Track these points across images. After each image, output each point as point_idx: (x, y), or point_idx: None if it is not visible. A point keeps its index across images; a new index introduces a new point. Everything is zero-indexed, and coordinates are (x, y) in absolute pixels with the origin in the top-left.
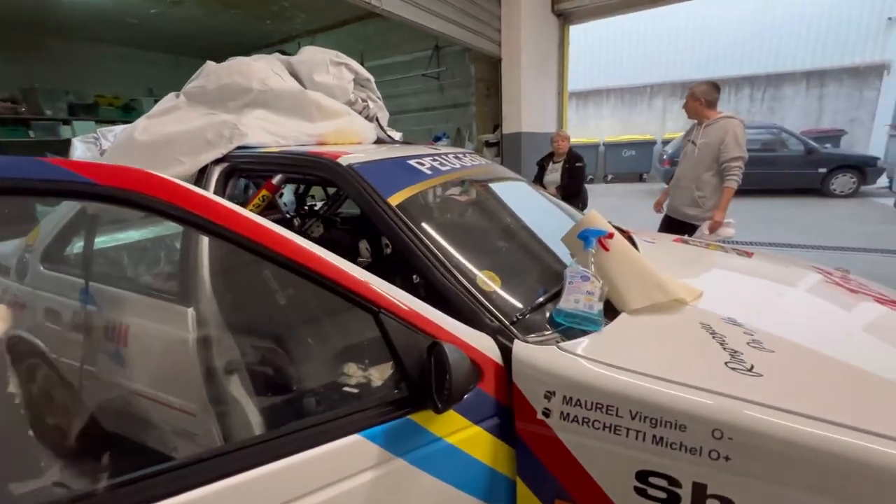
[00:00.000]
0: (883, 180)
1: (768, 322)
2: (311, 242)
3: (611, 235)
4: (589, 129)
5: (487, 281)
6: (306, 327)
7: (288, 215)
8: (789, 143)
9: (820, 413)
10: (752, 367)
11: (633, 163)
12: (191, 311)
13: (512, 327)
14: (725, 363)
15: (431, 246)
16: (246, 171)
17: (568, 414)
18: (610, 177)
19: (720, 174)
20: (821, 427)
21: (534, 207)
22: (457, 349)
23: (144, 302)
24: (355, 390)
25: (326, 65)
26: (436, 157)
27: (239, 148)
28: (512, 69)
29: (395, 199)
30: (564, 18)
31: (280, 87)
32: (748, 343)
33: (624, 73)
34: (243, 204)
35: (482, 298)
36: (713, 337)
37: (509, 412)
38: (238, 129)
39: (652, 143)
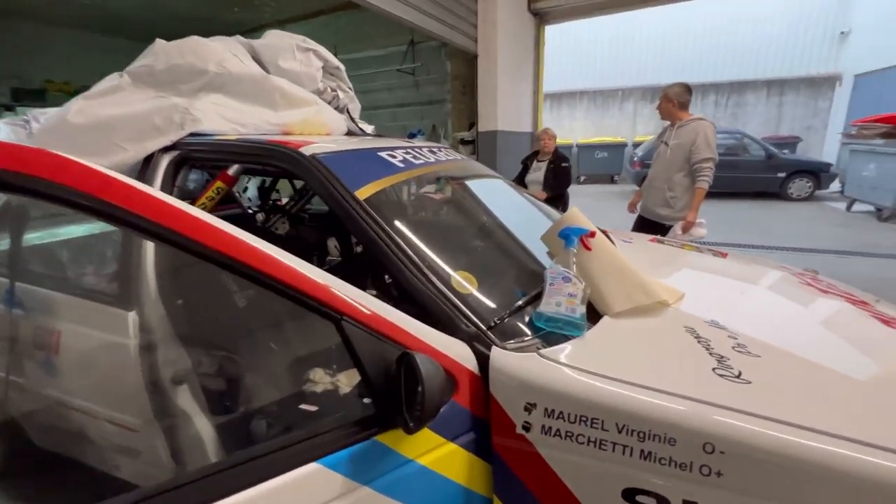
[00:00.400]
0: (836, 185)
1: (749, 324)
2: (262, 241)
3: (593, 234)
4: (563, 130)
5: (463, 282)
6: (267, 332)
7: (250, 210)
8: (751, 148)
9: (815, 424)
10: (740, 373)
11: (605, 164)
12: (132, 315)
13: (489, 333)
14: (713, 369)
15: (402, 244)
16: (199, 160)
17: (550, 428)
18: (583, 178)
19: (691, 175)
20: (819, 440)
21: (511, 206)
22: (430, 360)
23: (79, 305)
24: (314, 408)
25: (293, 50)
26: (409, 150)
27: (191, 135)
28: (488, 66)
29: (362, 193)
30: (540, 18)
31: (239, 70)
32: (733, 347)
33: (597, 76)
34: (195, 198)
35: (457, 301)
36: (698, 341)
37: (486, 426)
38: (190, 115)
39: (623, 146)
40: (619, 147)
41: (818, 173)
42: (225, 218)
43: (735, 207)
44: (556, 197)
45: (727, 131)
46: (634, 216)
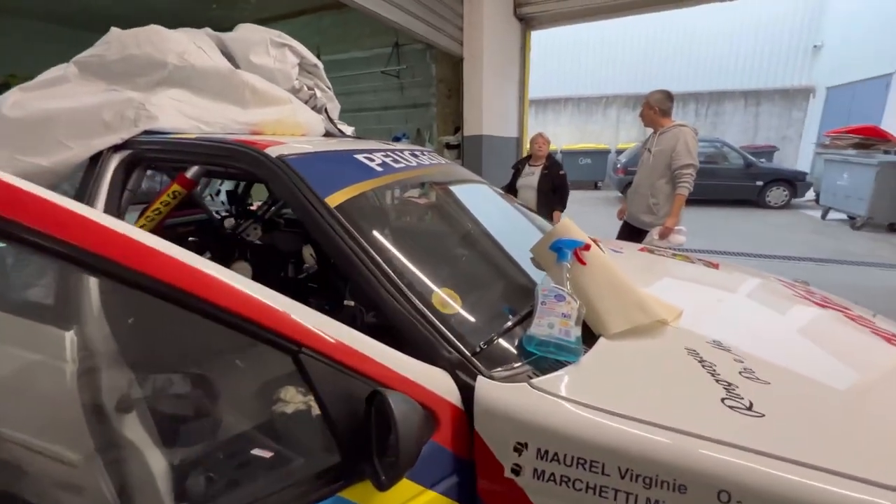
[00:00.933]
0: (811, 194)
1: (752, 344)
2: (203, 259)
3: (588, 247)
4: (548, 135)
5: (446, 300)
6: (229, 354)
7: (219, 215)
8: (730, 156)
9: (843, 467)
10: (751, 404)
11: (588, 171)
12: (70, 334)
13: (474, 360)
14: (722, 400)
15: (377, 257)
16: (154, 161)
17: (543, 471)
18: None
19: (673, 181)
20: (849, 486)
21: (498, 214)
22: (405, 399)
23: (8, 322)
24: (269, 454)
25: (266, 45)
26: (389, 153)
27: (146, 133)
28: (474, 69)
29: (334, 199)
30: (526, 23)
31: (203, 64)
32: (740, 373)
33: (581, 83)
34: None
35: (438, 323)
36: (703, 365)
37: (471, 469)
38: (146, 110)
39: (607, 152)
40: (602, 153)
41: (794, 182)
42: (188, 224)
43: (714, 215)
44: (558, 202)
45: (708, 140)
46: (620, 223)
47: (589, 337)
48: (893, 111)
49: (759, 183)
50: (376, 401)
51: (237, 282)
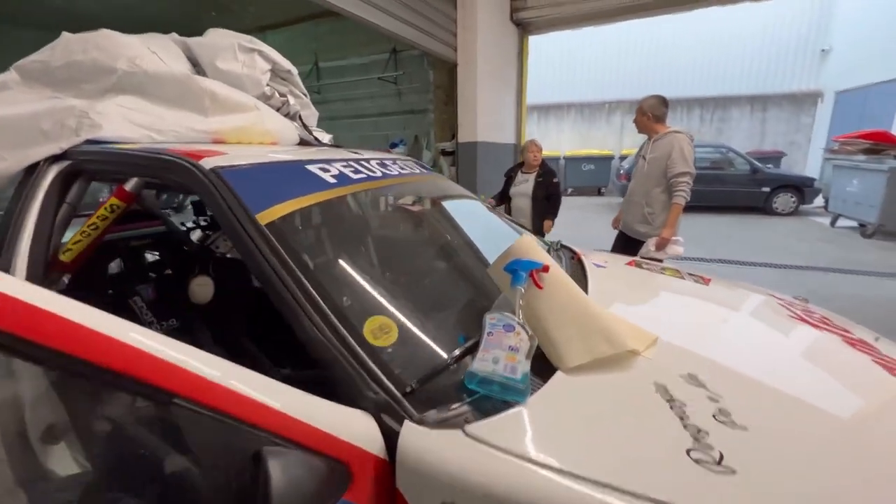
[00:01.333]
0: (819, 200)
1: (733, 377)
2: (41, 290)
3: (546, 269)
4: (550, 142)
5: (379, 330)
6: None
7: (184, 227)
8: (736, 162)
9: None
10: (722, 457)
11: (592, 176)
12: None
13: (404, 401)
14: (688, 452)
15: (303, 280)
16: (95, 172)
17: None
18: (570, 190)
19: (669, 190)
20: None
21: (472, 228)
22: (296, 459)
23: None
24: None
25: (234, 50)
26: (351, 163)
27: (89, 143)
28: (468, 75)
29: (266, 216)
30: (523, 28)
31: (157, 69)
32: (714, 415)
33: (584, 88)
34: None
35: (365, 357)
36: (671, 406)
37: None
38: (89, 118)
39: (610, 158)
40: (605, 159)
41: (802, 188)
42: (144, 237)
43: (719, 222)
44: (552, 211)
45: (712, 145)
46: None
47: (547, 370)
48: None
49: (766, 189)
50: (260, 462)
51: (81, 316)
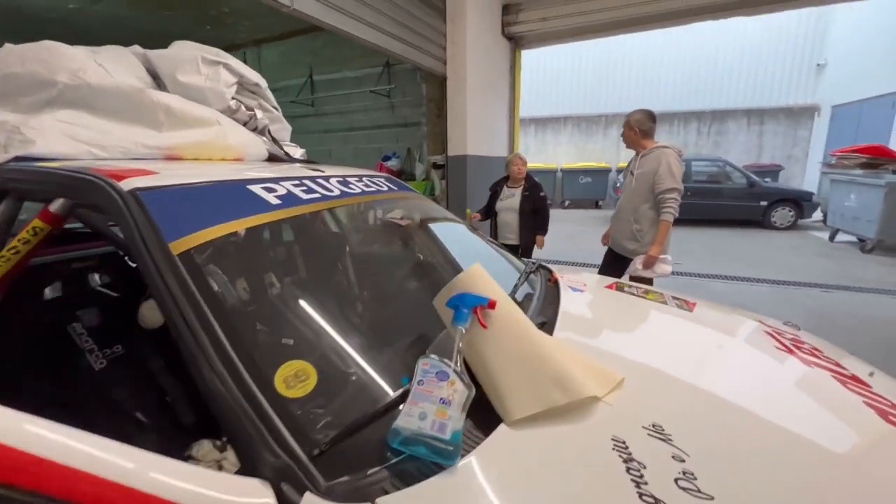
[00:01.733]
0: (818, 214)
1: (705, 427)
2: None
3: (492, 304)
4: (547, 154)
5: (295, 378)
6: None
7: None
8: (733, 176)
9: None
10: None
11: (589, 189)
12: None
13: (310, 465)
14: None
15: (210, 318)
16: (21, 191)
17: None
18: (567, 202)
19: (657, 206)
20: None
21: (436, 253)
22: None
23: None
24: None
25: (197, 63)
26: (305, 182)
27: (19, 160)
28: (457, 88)
29: (182, 244)
30: (515, 42)
31: (102, 82)
32: (677, 480)
33: (581, 101)
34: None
35: (269, 411)
36: (628, 469)
37: None
38: (20, 134)
39: (607, 171)
40: (602, 172)
41: (800, 202)
42: (89, 258)
43: (716, 236)
44: (541, 227)
45: (709, 159)
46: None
47: (487, 421)
48: None
49: (764, 203)
50: None
51: None
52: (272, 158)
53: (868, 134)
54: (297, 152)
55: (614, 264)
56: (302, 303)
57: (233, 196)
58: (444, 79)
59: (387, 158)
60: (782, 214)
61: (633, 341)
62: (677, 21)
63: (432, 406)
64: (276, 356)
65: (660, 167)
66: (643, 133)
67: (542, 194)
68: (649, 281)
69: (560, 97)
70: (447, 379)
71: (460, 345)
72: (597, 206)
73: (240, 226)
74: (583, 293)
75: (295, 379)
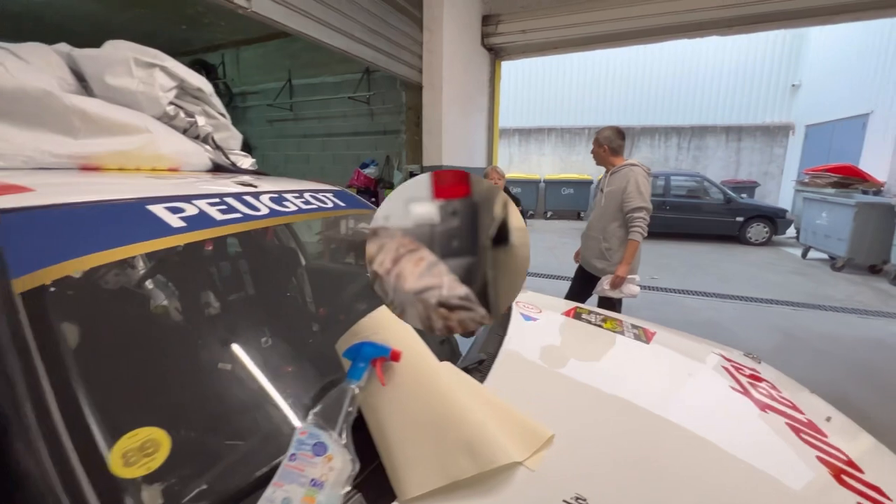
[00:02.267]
0: (792, 231)
1: (634, 495)
2: None
3: (395, 356)
4: (531, 165)
5: (139, 450)
6: None
7: None
8: (711, 191)
9: None
10: None
11: (571, 200)
12: None
13: None
14: None
15: (38, 373)
16: None
17: None
18: (549, 213)
19: (626, 225)
20: None
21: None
22: None
23: None
24: None
25: (129, 64)
26: (227, 199)
27: None
28: (433, 98)
29: (31, 280)
30: (495, 53)
31: (1, 83)
32: None
33: (564, 114)
34: None
35: (91, 499)
36: None
37: None
38: None
39: (589, 183)
40: (585, 184)
41: (775, 219)
42: None
43: (693, 250)
44: None
45: (688, 174)
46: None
47: (385, 496)
48: (871, 151)
49: (740, 219)
50: None
51: None
52: (218, 169)
53: (839, 153)
54: (247, 162)
55: (585, 282)
56: (172, 350)
57: (123, 218)
58: (422, 87)
59: (365, 166)
60: (757, 230)
61: (577, 385)
62: (655, 39)
63: (299, 490)
64: (120, 424)
65: (628, 185)
66: (612, 150)
67: (519, 208)
68: (618, 300)
69: (544, 109)
70: (325, 453)
71: (350, 409)
72: (579, 217)
73: (120, 255)
74: (535, 322)
75: (139, 452)
